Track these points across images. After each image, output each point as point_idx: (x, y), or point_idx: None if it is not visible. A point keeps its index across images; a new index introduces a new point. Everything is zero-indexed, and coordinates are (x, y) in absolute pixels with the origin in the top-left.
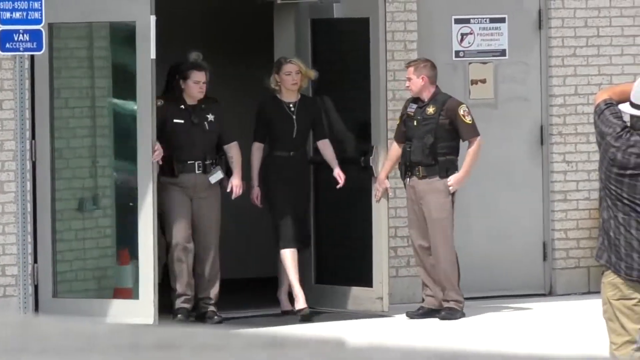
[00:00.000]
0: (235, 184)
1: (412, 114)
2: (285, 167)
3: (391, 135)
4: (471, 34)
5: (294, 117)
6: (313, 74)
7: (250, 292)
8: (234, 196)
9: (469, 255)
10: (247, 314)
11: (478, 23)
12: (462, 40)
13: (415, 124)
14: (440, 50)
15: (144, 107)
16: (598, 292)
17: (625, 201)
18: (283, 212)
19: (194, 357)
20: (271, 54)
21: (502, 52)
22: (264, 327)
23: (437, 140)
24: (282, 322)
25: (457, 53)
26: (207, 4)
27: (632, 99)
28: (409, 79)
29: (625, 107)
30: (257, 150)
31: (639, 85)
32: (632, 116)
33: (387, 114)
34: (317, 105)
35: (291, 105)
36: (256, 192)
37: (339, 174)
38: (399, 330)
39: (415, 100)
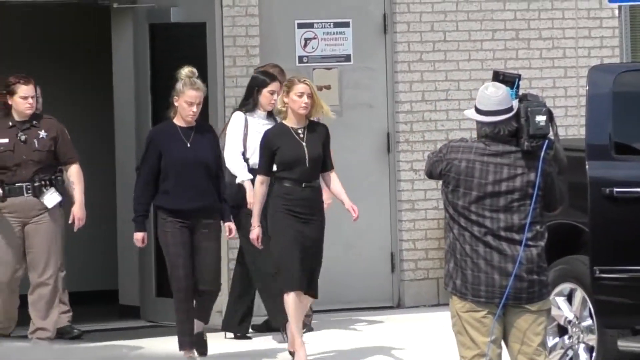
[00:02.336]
0: (78, 217)
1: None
2: (296, 201)
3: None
4: (315, 38)
5: (304, 144)
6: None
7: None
8: (75, 228)
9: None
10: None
11: (322, 27)
12: (305, 45)
13: None
14: (283, 55)
15: None
16: (447, 304)
17: (473, 217)
18: (291, 251)
19: None
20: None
21: (347, 58)
22: (108, 342)
23: None
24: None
25: (300, 58)
26: (42, 11)
27: (477, 105)
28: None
29: (470, 113)
30: (261, 185)
31: (483, 92)
32: (477, 122)
33: (225, 120)
34: (325, 130)
35: (300, 132)
36: (257, 232)
37: (352, 207)
38: (239, 347)
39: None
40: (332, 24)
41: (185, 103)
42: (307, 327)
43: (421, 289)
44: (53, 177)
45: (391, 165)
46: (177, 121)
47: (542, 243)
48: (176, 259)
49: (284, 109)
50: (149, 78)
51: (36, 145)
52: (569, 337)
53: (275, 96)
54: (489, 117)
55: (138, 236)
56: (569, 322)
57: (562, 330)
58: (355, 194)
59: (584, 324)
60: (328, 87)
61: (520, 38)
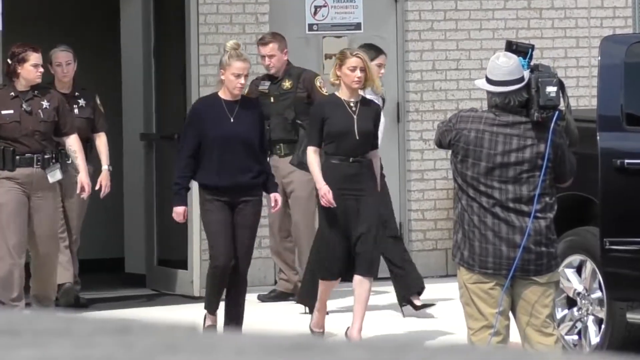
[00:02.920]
0: (86, 182)
1: (266, 91)
2: (345, 175)
3: None
4: (325, 6)
5: (355, 117)
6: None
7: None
8: (85, 195)
9: None
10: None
11: None
12: (315, 13)
13: (272, 100)
14: (292, 23)
15: None
16: (456, 276)
17: (482, 187)
18: (333, 234)
19: (35, 343)
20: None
21: (357, 26)
22: (112, 311)
23: (297, 115)
24: (132, 304)
25: (310, 26)
26: None
27: (488, 75)
28: (272, 56)
29: (480, 83)
30: (314, 153)
31: (494, 61)
32: (488, 92)
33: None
34: (378, 109)
35: (352, 105)
36: (325, 188)
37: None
38: (250, 313)
39: (265, 77)
40: None
41: (232, 75)
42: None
43: (430, 259)
44: (58, 151)
45: (400, 135)
46: (223, 94)
47: (551, 215)
48: (216, 237)
49: (337, 81)
50: (152, 43)
51: (42, 116)
52: (578, 309)
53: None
54: (500, 87)
55: (179, 210)
56: (578, 294)
57: (571, 302)
58: None
59: (594, 296)
60: None
61: (532, 7)
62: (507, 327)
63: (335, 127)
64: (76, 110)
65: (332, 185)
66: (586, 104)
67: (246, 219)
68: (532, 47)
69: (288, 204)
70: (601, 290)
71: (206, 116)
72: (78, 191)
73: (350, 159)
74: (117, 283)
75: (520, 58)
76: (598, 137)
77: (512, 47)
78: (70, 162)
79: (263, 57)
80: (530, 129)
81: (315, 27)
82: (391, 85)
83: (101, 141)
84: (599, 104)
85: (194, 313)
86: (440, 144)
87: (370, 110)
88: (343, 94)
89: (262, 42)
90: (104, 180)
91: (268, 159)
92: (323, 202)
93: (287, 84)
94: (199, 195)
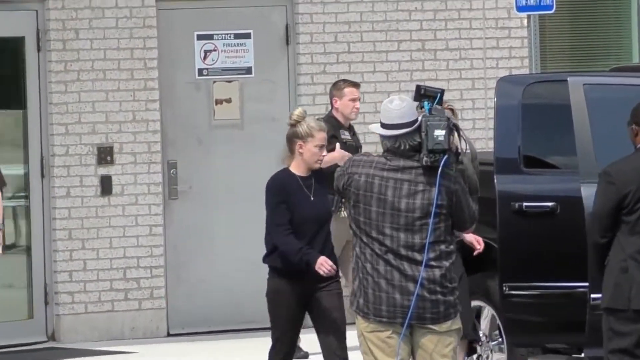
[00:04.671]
0: None
1: (352, 142)
2: None
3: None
4: (215, 50)
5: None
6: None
7: None
8: None
9: (213, 285)
10: None
11: (222, 39)
12: (205, 57)
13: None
14: (182, 68)
15: None
16: (354, 323)
17: (374, 234)
18: None
19: None
20: None
21: (248, 70)
22: None
23: None
24: None
25: (200, 71)
26: None
27: (381, 118)
28: (358, 99)
29: (375, 127)
30: None
31: (386, 105)
32: (380, 136)
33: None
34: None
35: (346, 133)
36: None
37: None
38: None
39: (335, 125)
40: (232, 35)
41: (316, 147)
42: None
43: None
44: None
45: None
46: (295, 169)
47: (446, 263)
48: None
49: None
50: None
51: None
52: (478, 357)
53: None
54: (389, 131)
55: (321, 259)
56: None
57: (471, 350)
58: (257, 210)
59: (493, 342)
60: (229, 101)
61: (426, 49)
62: None
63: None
64: None
65: None
66: (483, 147)
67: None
68: (442, 91)
69: None
70: (501, 337)
71: (289, 195)
72: None
73: None
74: None
75: (425, 102)
76: (495, 180)
77: (421, 91)
78: None
79: (353, 100)
80: (421, 174)
81: (205, 72)
82: (283, 129)
83: None
84: (496, 146)
85: None
86: (338, 189)
87: (357, 137)
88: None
89: (351, 84)
90: None
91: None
92: None
93: (352, 134)
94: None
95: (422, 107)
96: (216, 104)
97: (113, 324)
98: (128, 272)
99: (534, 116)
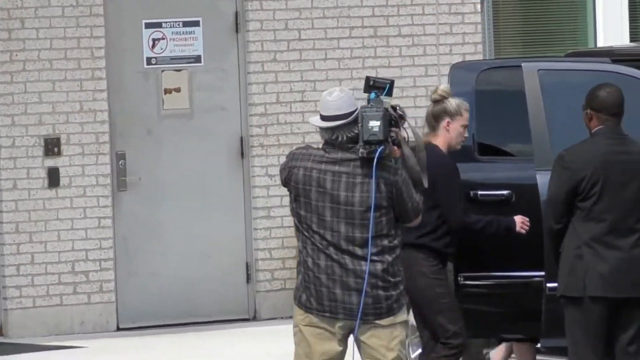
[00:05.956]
0: None
1: None
2: None
3: None
4: (163, 39)
5: None
6: None
7: None
8: None
9: (163, 279)
10: None
11: (170, 27)
12: (153, 46)
13: None
14: (130, 57)
15: None
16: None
17: (315, 227)
18: None
19: None
20: None
21: (197, 59)
22: None
23: None
24: None
25: (148, 60)
26: None
27: (320, 110)
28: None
29: (314, 120)
30: None
31: (324, 96)
32: (320, 129)
33: None
34: None
35: None
36: None
37: None
38: None
39: None
40: (181, 23)
41: (462, 127)
42: None
43: (278, 300)
44: None
45: (245, 171)
46: (443, 147)
47: (389, 258)
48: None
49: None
50: None
51: None
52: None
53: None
54: (327, 123)
55: (519, 220)
56: None
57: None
58: (207, 200)
59: None
60: (178, 90)
61: (378, 35)
62: None
63: None
64: None
65: None
66: None
67: None
68: (391, 82)
69: None
70: None
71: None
72: None
73: None
74: None
75: (373, 93)
76: None
77: (370, 82)
78: None
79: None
80: (359, 167)
81: (153, 61)
82: (233, 119)
83: None
84: None
85: None
86: (282, 184)
87: None
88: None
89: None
90: None
91: None
92: None
93: None
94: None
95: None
96: (165, 93)
97: (62, 319)
98: (77, 266)
99: (488, 103)
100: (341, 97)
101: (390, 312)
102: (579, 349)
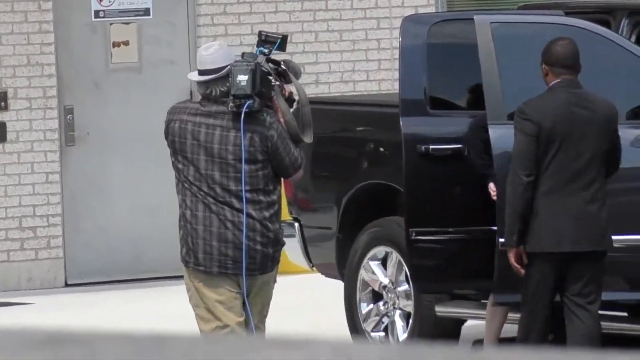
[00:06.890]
0: None
1: None
2: None
3: None
4: None
5: None
6: None
7: None
8: None
9: (112, 234)
10: None
11: None
12: None
13: None
14: (77, 10)
15: None
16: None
17: (191, 179)
18: None
19: None
20: None
21: (146, 12)
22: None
23: None
24: None
25: (97, 13)
26: None
27: (198, 66)
28: None
29: (191, 75)
30: None
31: (200, 51)
32: (197, 84)
33: None
34: None
35: None
36: None
37: None
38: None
39: None
40: None
41: None
42: None
43: None
44: None
45: None
46: None
47: (267, 214)
48: None
49: None
50: None
51: None
52: (384, 304)
53: None
54: (201, 77)
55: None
56: (384, 287)
57: (377, 296)
58: (156, 156)
59: (400, 289)
60: (126, 43)
61: None
62: (242, 323)
63: None
64: None
65: None
66: (389, 88)
67: None
68: (283, 37)
69: None
70: (408, 283)
71: None
72: None
73: None
74: None
75: (262, 47)
76: (401, 123)
77: (262, 37)
78: None
79: None
80: (231, 120)
81: (101, 14)
82: (182, 73)
83: None
84: (401, 88)
85: None
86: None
87: None
88: None
89: None
90: None
91: None
92: None
93: None
94: None
95: (263, 53)
96: (113, 46)
97: (9, 275)
98: (24, 221)
99: (440, 56)
100: (217, 50)
101: (263, 270)
102: (533, 301)
